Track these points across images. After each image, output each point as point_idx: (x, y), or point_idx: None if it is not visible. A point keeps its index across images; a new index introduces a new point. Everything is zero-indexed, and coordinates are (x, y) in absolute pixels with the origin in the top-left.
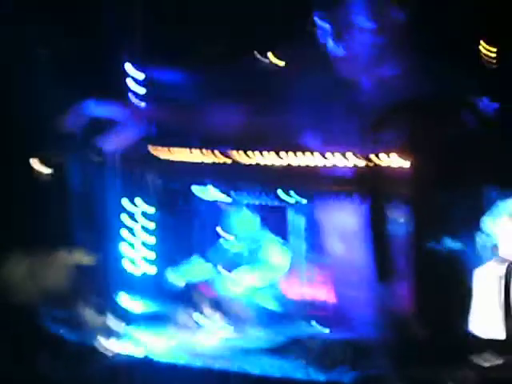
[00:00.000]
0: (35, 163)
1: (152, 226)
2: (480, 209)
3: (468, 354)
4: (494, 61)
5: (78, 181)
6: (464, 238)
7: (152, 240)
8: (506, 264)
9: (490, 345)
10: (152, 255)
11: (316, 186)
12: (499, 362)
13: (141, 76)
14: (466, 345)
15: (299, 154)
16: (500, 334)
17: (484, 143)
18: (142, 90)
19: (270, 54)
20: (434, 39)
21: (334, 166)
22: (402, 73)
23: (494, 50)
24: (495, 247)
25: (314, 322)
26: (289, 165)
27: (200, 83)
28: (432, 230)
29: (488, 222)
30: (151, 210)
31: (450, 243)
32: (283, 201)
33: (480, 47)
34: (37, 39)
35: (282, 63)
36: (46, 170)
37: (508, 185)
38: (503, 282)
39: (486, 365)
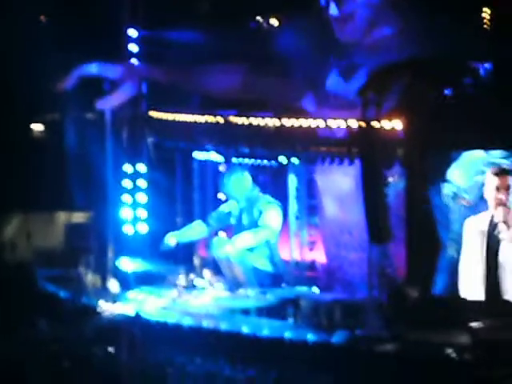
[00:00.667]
0: (34, 125)
1: (147, 186)
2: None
3: (459, 316)
4: (492, 23)
5: (76, 142)
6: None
7: (147, 200)
8: (489, 219)
9: (480, 306)
10: (147, 215)
11: (312, 147)
12: (490, 323)
13: (140, 36)
14: (458, 306)
15: (294, 115)
16: (480, 295)
17: (479, 105)
18: (140, 51)
19: (267, 15)
20: None
21: (330, 127)
22: (398, 33)
23: (493, 11)
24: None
25: (305, 283)
26: (286, 126)
27: (198, 44)
28: (426, 191)
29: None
30: (149, 171)
31: (443, 204)
32: (281, 163)
33: (479, 8)
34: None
35: (278, 24)
36: (44, 132)
37: (499, 145)
38: (485, 238)
39: (477, 326)
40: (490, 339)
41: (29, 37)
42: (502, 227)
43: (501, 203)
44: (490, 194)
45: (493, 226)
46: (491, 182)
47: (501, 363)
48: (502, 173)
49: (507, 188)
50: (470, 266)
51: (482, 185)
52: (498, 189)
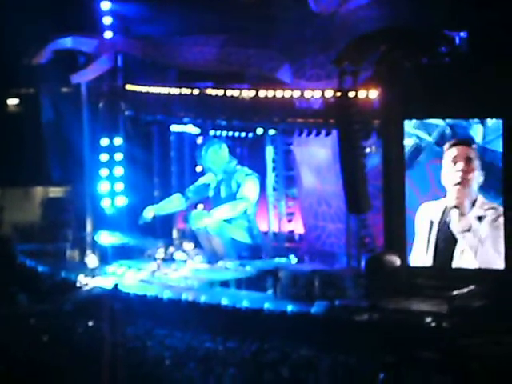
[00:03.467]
0: (9, 99)
1: (124, 159)
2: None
3: (436, 284)
4: None
5: (52, 116)
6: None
7: (124, 174)
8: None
9: (458, 274)
10: (124, 189)
11: (289, 119)
12: (468, 290)
13: (114, 10)
14: (435, 275)
15: (270, 86)
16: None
17: (454, 75)
18: (115, 24)
19: None
20: None
21: (307, 99)
22: (374, 3)
23: None
24: None
25: (284, 254)
26: (263, 98)
27: (173, 17)
28: (402, 160)
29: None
30: (126, 145)
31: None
32: (255, 134)
33: None
34: None
35: None
36: (20, 106)
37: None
38: (436, 225)
39: (454, 293)
40: (467, 307)
41: (2, 10)
42: (453, 215)
43: (458, 182)
44: (447, 170)
45: (445, 215)
46: (448, 155)
47: (477, 330)
48: (459, 143)
49: (466, 160)
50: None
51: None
52: (454, 162)
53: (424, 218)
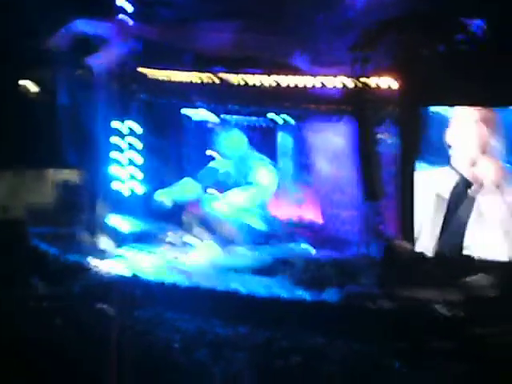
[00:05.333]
0: (23, 82)
1: (140, 145)
2: None
3: (452, 274)
4: None
5: (67, 99)
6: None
7: (140, 160)
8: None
9: (471, 263)
10: (141, 175)
11: (304, 105)
12: (484, 282)
13: None
14: (449, 263)
15: (288, 73)
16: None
17: (472, 62)
18: (130, 8)
19: None
20: None
21: (323, 85)
22: None
23: None
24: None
25: (300, 242)
26: (278, 84)
27: (189, 2)
28: (418, 150)
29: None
30: (140, 129)
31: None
32: (272, 121)
33: None
34: None
35: None
36: (34, 89)
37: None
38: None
39: (467, 283)
40: (481, 296)
41: None
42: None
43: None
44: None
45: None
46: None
47: (491, 320)
48: None
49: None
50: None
51: None
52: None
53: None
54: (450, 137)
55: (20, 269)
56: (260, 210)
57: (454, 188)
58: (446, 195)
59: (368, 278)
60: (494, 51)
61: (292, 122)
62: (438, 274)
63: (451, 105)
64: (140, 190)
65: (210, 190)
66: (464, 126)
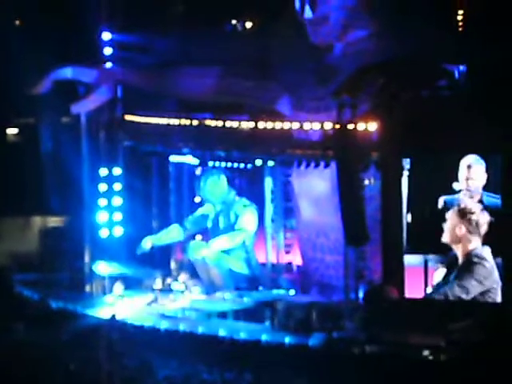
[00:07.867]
0: (8, 129)
1: (123, 189)
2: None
3: (435, 318)
4: (466, 25)
5: (51, 146)
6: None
7: (123, 204)
8: None
9: (459, 308)
10: (123, 219)
11: (286, 149)
12: (465, 324)
13: (114, 40)
14: (434, 308)
15: (269, 118)
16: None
17: (454, 109)
18: (114, 55)
19: (242, 19)
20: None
21: (304, 130)
22: (372, 36)
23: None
24: None
25: (282, 286)
26: (259, 129)
27: (172, 48)
28: (400, 193)
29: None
30: (123, 173)
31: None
32: (254, 165)
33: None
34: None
35: (253, 27)
36: (19, 136)
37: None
38: None
39: (453, 328)
40: (464, 340)
41: (2, 40)
42: None
43: None
44: None
45: None
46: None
47: (475, 363)
48: None
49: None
50: None
51: None
52: None
53: None
54: None
55: (4, 316)
56: (245, 254)
57: None
58: None
59: (353, 323)
60: (477, 97)
61: (276, 166)
62: (424, 318)
63: (431, 152)
64: (126, 236)
65: (196, 236)
66: None
